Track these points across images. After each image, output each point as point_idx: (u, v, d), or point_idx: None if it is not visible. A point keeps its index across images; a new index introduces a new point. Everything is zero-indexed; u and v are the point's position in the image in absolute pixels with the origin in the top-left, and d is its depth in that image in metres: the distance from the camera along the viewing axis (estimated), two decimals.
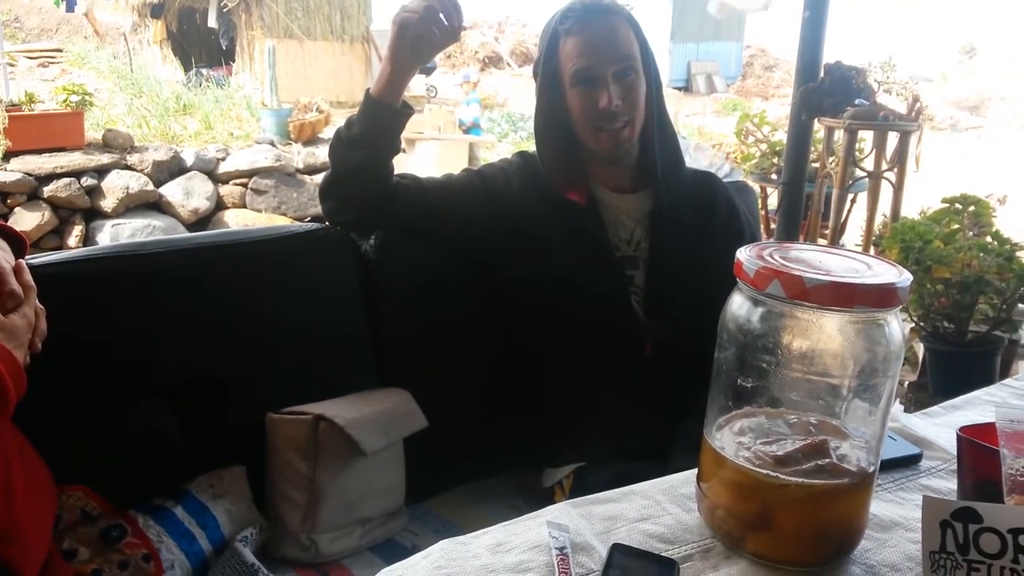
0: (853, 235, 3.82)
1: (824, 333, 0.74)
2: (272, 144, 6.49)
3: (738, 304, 0.78)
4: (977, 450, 0.84)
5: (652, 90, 1.49)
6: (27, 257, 1.07)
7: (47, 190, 5.34)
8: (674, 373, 1.43)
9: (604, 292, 1.47)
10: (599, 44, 1.42)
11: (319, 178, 6.65)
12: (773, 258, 0.76)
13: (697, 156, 6.91)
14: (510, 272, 1.51)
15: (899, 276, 0.74)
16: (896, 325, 0.75)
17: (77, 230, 5.46)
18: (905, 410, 2.40)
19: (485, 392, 1.59)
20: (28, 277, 1.00)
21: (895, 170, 3.27)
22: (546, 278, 1.47)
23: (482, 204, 1.50)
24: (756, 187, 3.72)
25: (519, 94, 11.61)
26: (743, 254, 0.77)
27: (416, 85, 11.46)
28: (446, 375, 1.55)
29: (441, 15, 1.37)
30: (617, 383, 1.45)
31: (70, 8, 9.05)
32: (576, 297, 1.46)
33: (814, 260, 0.77)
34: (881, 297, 0.72)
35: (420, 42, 1.38)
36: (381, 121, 1.43)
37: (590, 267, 1.47)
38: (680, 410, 1.37)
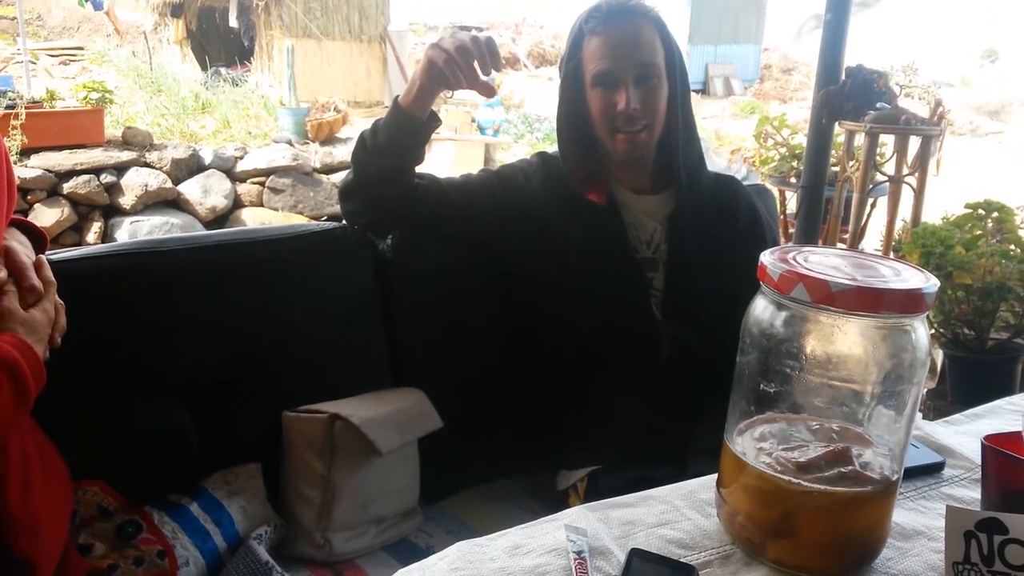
0: (873, 240, 3.79)
1: (849, 338, 0.73)
2: (290, 143, 6.51)
3: (761, 308, 0.77)
4: (1003, 459, 0.82)
5: (677, 94, 1.47)
6: (47, 253, 1.08)
7: (67, 187, 5.38)
8: (691, 377, 1.42)
9: (623, 293, 1.46)
10: (621, 46, 1.41)
11: (336, 177, 6.68)
12: (797, 262, 0.75)
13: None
14: (528, 272, 1.50)
15: (926, 281, 0.73)
16: (922, 331, 0.73)
17: (96, 227, 5.50)
18: (924, 417, 2.37)
19: (500, 393, 1.58)
20: (48, 272, 1.01)
21: (916, 175, 3.24)
22: (565, 278, 1.46)
23: (500, 204, 1.49)
24: (775, 191, 3.70)
25: (536, 95, 11.60)
26: (767, 257, 0.76)
27: None
28: (461, 375, 1.55)
29: (475, 61, 1.33)
30: (633, 386, 1.44)
31: (97, 7, 9.09)
32: (595, 298, 1.45)
33: (839, 264, 0.76)
34: (908, 303, 0.70)
35: (444, 80, 1.36)
36: (407, 131, 1.41)
37: (609, 268, 1.46)
38: (696, 415, 1.36)
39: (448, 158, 7.76)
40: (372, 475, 1.36)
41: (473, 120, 8.64)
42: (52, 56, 8.44)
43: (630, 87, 1.41)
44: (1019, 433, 0.80)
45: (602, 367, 1.46)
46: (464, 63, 1.32)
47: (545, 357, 1.53)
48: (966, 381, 2.41)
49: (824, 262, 0.76)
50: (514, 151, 8.36)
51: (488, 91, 1.37)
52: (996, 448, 0.84)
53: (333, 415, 1.32)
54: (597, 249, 1.46)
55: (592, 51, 1.43)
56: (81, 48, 8.87)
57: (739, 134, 9.17)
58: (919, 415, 2.52)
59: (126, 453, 1.25)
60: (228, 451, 1.34)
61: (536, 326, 1.53)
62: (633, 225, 1.50)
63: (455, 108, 9.20)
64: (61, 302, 1.02)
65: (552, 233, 1.48)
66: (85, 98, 5.64)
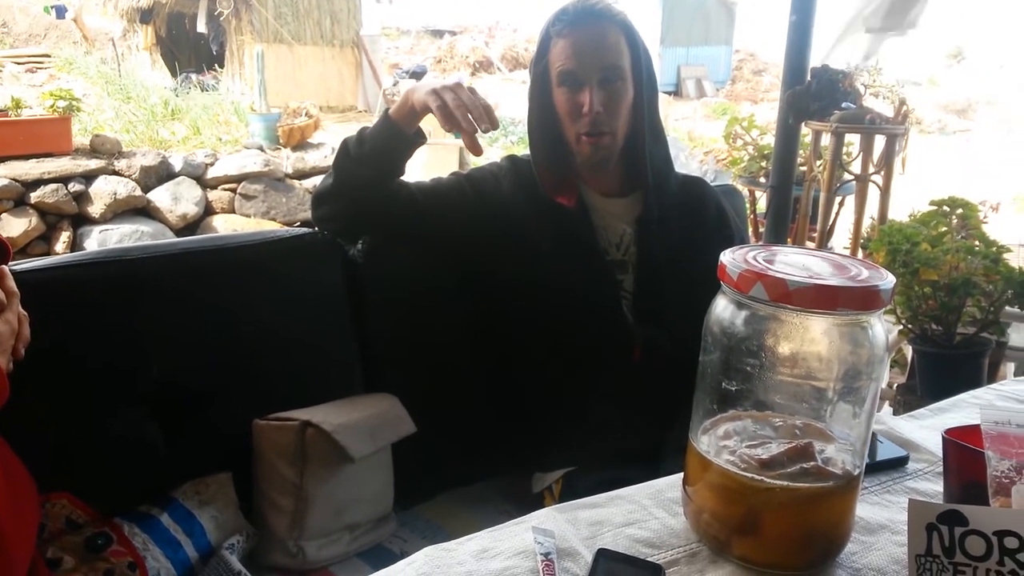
0: (841, 238, 3.84)
1: (808, 336, 0.74)
2: (261, 149, 6.47)
3: (722, 307, 0.78)
4: (963, 452, 0.84)
5: (644, 98, 1.48)
6: (10, 263, 1.06)
7: (34, 196, 5.31)
8: (663, 378, 1.43)
9: (594, 296, 1.47)
10: (585, 49, 1.43)
11: (308, 183, 6.60)
12: (757, 261, 0.76)
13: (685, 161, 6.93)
14: (499, 276, 1.50)
15: (882, 278, 0.74)
16: (880, 328, 0.75)
17: (65, 236, 5.43)
18: (894, 412, 2.40)
19: (473, 397, 1.58)
20: (11, 283, 0.99)
21: (882, 173, 3.28)
22: (536, 282, 1.47)
23: (471, 207, 1.50)
24: (744, 191, 3.73)
25: (510, 99, 11.62)
26: (727, 257, 0.77)
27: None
28: (434, 380, 1.55)
29: (470, 115, 1.35)
30: (606, 388, 1.45)
31: (60, 15, 9.00)
32: (566, 301, 1.46)
33: (798, 263, 0.77)
34: (864, 299, 0.72)
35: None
36: (393, 144, 1.43)
37: (580, 271, 1.47)
38: (670, 414, 1.37)
39: (421, 161, 7.74)
40: (345, 482, 1.35)
41: None
42: (18, 64, 8.33)
43: (594, 88, 1.42)
44: (979, 426, 0.81)
45: (575, 369, 1.46)
46: (461, 118, 1.34)
47: (518, 360, 1.53)
48: (935, 376, 2.44)
49: (783, 260, 0.77)
50: (488, 154, 8.36)
51: (476, 149, 1.38)
52: (956, 441, 0.85)
53: (304, 422, 1.32)
54: (567, 252, 1.47)
55: (558, 52, 1.45)
56: (48, 55, 8.75)
57: (711, 135, 9.24)
58: (888, 410, 2.54)
59: (94, 464, 1.24)
60: (199, 461, 1.33)
61: (508, 329, 1.53)
62: (602, 228, 1.51)
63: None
64: (24, 313, 1.00)
65: (522, 236, 1.48)
66: (52, 106, 5.57)
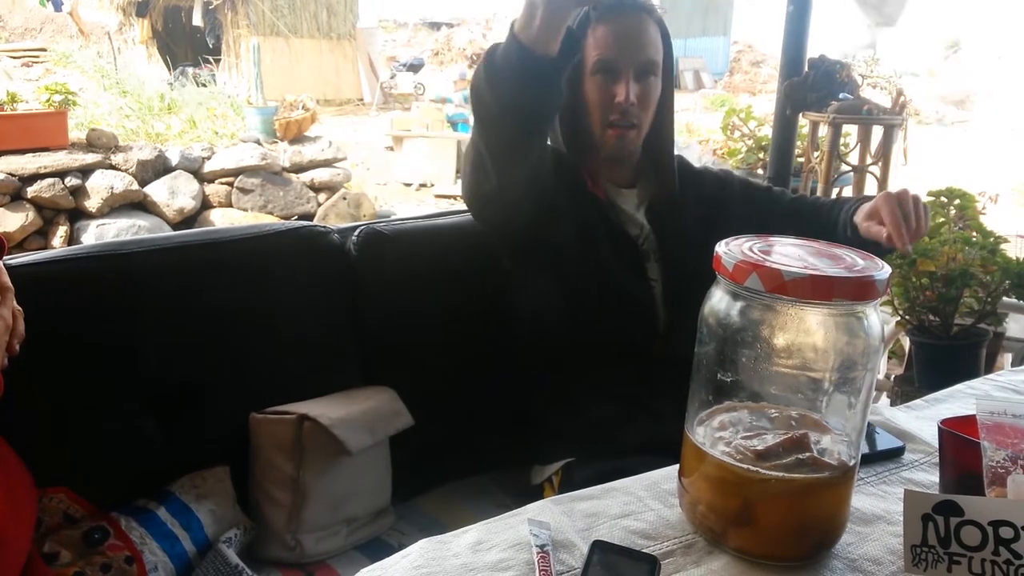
0: None
1: (804, 326, 0.74)
2: (258, 143, 6.45)
3: (718, 298, 0.78)
4: (958, 443, 0.84)
5: (667, 96, 1.48)
6: (5, 258, 1.06)
7: (31, 190, 5.29)
8: (677, 377, 1.41)
9: (629, 287, 1.44)
10: (627, 38, 1.40)
11: (306, 177, 6.56)
12: (752, 251, 0.76)
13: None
14: (550, 267, 1.45)
15: (878, 269, 0.74)
16: (875, 318, 0.75)
17: (62, 231, 5.42)
18: (891, 403, 2.41)
19: (471, 390, 1.58)
20: (5, 278, 0.99)
21: (879, 164, 3.28)
22: (584, 274, 1.43)
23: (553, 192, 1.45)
24: None
25: None
26: (722, 248, 0.77)
27: (404, 83, 11.46)
28: (431, 373, 1.55)
29: None
30: (616, 384, 1.43)
31: (57, 8, 8.95)
32: (600, 293, 1.43)
33: (794, 253, 0.77)
34: (860, 290, 0.71)
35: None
36: (537, 74, 1.17)
37: (619, 261, 1.44)
38: (673, 409, 1.36)
39: (421, 155, 7.74)
40: (343, 475, 1.35)
41: (443, 105, 8.60)
42: (13, 58, 8.30)
43: (631, 80, 1.40)
44: (975, 416, 0.82)
45: (586, 367, 1.44)
46: None
47: (524, 355, 1.51)
48: (932, 367, 2.44)
49: (780, 251, 0.77)
50: None
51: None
52: (952, 432, 0.85)
53: (302, 416, 1.32)
54: (606, 243, 1.44)
55: (598, 38, 1.40)
56: (44, 49, 8.72)
57: (709, 127, 9.23)
58: (886, 401, 2.54)
59: (91, 459, 1.24)
60: (196, 454, 1.33)
61: (524, 322, 1.50)
62: (626, 219, 1.49)
63: (427, 105, 9.19)
64: (19, 308, 1.00)
65: (575, 225, 1.44)
66: (48, 100, 5.55)
